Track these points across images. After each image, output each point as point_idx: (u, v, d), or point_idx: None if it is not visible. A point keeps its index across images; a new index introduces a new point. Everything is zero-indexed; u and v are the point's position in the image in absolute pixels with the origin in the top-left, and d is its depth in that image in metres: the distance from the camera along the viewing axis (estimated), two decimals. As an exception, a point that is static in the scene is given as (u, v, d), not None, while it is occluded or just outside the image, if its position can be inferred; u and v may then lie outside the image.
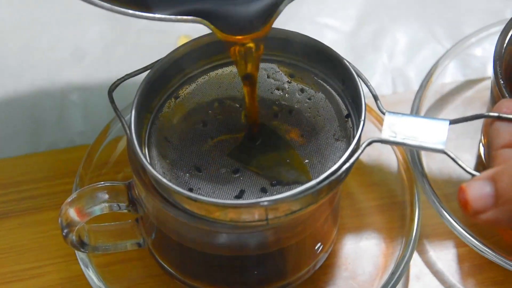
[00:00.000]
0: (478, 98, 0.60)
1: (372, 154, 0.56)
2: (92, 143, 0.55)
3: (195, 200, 0.44)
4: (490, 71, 0.53)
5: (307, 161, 0.48)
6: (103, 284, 0.51)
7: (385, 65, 0.64)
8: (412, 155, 0.56)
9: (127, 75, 0.49)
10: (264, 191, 0.47)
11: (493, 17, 0.64)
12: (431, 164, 0.56)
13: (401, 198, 0.54)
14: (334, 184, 0.45)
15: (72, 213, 0.48)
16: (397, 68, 0.64)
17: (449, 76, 0.61)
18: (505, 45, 0.52)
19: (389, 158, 0.56)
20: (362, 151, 0.46)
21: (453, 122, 0.46)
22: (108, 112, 0.57)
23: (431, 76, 0.60)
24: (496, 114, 0.46)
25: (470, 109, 0.59)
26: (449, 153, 0.45)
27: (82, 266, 0.52)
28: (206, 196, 0.46)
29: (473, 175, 0.44)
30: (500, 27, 0.53)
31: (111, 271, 0.52)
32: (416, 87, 0.60)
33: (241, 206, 0.44)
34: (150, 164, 0.46)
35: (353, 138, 0.46)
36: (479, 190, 0.43)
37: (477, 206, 0.43)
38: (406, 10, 0.67)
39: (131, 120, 0.47)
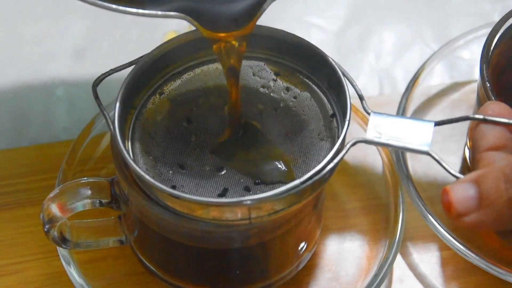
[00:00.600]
0: (464, 101, 0.60)
1: (357, 155, 0.56)
2: (76, 139, 0.55)
3: (178, 197, 0.44)
4: (477, 74, 0.53)
5: (291, 160, 0.47)
6: (84, 281, 0.51)
7: (372, 66, 0.64)
8: (397, 156, 0.55)
9: (111, 69, 0.48)
10: (247, 189, 0.46)
11: (480, 19, 0.64)
12: (416, 166, 0.56)
13: (386, 200, 0.54)
14: (318, 184, 0.45)
15: (54, 208, 0.48)
16: (384, 69, 0.64)
17: (436, 78, 0.61)
18: (492, 48, 0.52)
19: (374, 159, 0.55)
20: (346, 151, 0.45)
21: (438, 123, 0.46)
22: (92, 108, 0.56)
23: (417, 78, 0.59)
24: (481, 117, 0.45)
25: (456, 111, 0.59)
26: (433, 154, 0.45)
27: (64, 263, 0.51)
28: (189, 193, 0.45)
29: (457, 178, 0.44)
30: (487, 30, 0.53)
31: (93, 268, 0.51)
32: (402, 88, 0.59)
33: (224, 205, 0.44)
34: (133, 160, 0.46)
35: (338, 138, 0.46)
36: (462, 193, 0.43)
37: (461, 209, 0.43)
38: (394, 11, 0.66)
39: (115, 116, 0.46)
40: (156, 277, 0.51)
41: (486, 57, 0.51)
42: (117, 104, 0.46)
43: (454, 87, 0.61)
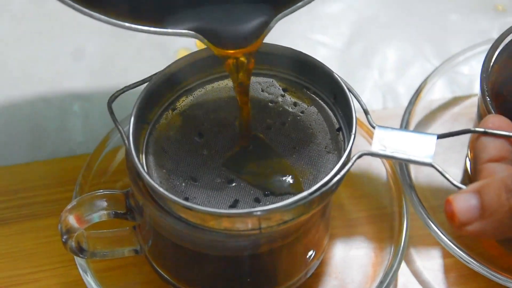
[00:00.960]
0: (465, 114, 0.60)
1: (363, 167, 0.56)
2: (92, 153, 0.55)
3: (190, 209, 0.44)
4: (477, 88, 0.54)
5: (299, 172, 0.48)
6: (99, 286, 0.51)
7: (375, 81, 0.64)
8: (401, 168, 0.56)
9: (126, 87, 0.49)
10: (257, 201, 0.47)
11: (479, 37, 0.64)
12: (419, 177, 0.56)
13: (390, 209, 0.55)
14: (325, 195, 0.45)
15: (72, 220, 0.48)
16: (387, 84, 0.64)
17: (438, 92, 0.61)
18: (491, 63, 0.52)
19: (379, 171, 0.56)
20: (352, 164, 0.46)
21: (440, 136, 0.47)
22: (107, 123, 0.57)
23: (420, 93, 0.60)
24: (482, 130, 0.46)
25: (457, 124, 0.59)
26: (436, 166, 0.46)
27: (81, 271, 0.52)
28: (201, 205, 0.46)
29: (459, 188, 0.45)
30: (486, 47, 0.53)
31: (109, 277, 0.52)
32: (405, 103, 0.60)
33: (235, 216, 0.44)
34: (147, 173, 0.46)
35: (344, 151, 0.46)
36: (465, 203, 0.44)
37: (463, 218, 0.43)
38: (397, 29, 0.67)
39: (129, 131, 0.47)
40: (170, 285, 0.52)
41: (486, 72, 0.52)
42: (132, 120, 0.47)
43: (455, 101, 0.61)
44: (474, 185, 0.44)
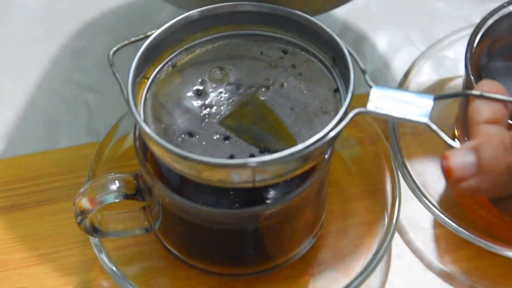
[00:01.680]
0: (451, 95, 0.61)
1: (357, 151, 0.57)
2: (102, 141, 0.56)
3: (185, 158, 0.44)
4: (461, 71, 0.55)
5: (296, 131, 0.47)
6: (114, 265, 0.52)
7: (366, 66, 0.64)
8: (393, 146, 0.56)
9: (127, 40, 0.49)
10: (252, 157, 0.46)
11: (462, 22, 0.65)
12: (411, 153, 0.57)
13: (384, 185, 0.55)
14: (320, 150, 0.45)
15: (85, 202, 0.49)
16: (378, 68, 0.65)
17: (425, 75, 0.62)
18: (474, 46, 0.53)
19: (373, 149, 0.56)
20: (348, 121, 0.45)
21: (437, 98, 0.45)
22: (117, 113, 0.58)
23: (408, 76, 0.61)
24: (478, 93, 0.45)
25: (443, 105, 0.59)
26: (432, 125, 0.44)
27: (96, 250, 0.53)
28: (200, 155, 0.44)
29: (455, 147, 0.44)
30: (469, 31, 0.54)
31: (122, 255, 0.53)
32: (394, 86, 0.60)
33: (229, 166, 0.44)
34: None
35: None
36: (462, 158, 0.42)
37: (459, 174, 0.42)
38: (386, 17, 0.68)
39: (128, 82, 0.46)
40: (178, 259, 0.53)
41: (470, 54, 0.52)
42: (131, 72, 0.47)
43: (441, 82, 0.62)
44: (471, 143, 0.43)
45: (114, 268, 0.52)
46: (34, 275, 0.54)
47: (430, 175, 0.56)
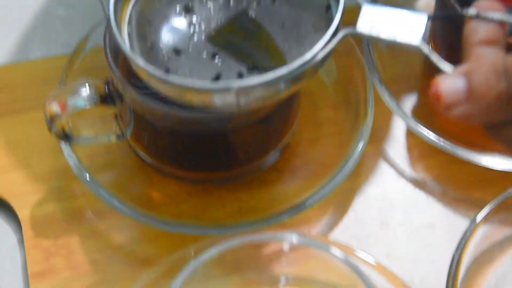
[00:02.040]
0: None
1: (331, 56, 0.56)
2: (74, 50, 0.55)
3: (167, 82, 0.42)
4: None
5: (285, 48, 0.45)
6: (87, 172, 0.51)
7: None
8: (367, 57, 0.55)
9: None
10: (240, 75, 0.45)
11: None
12: (386, 63, 0.56)
13: (357, 95, 0.54)
14: (306, 73, 0.42)
15: (55, 106, 0.49)
16: None
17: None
18: None
19: (347, 61, 0.55)
20: (336, 43, 0.42)
21: (431, 18, 0.43)
22: (89, 26, 0.57)
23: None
24: (474, 12, 0.42)
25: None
26: (424, 48, 0.42)
27: (66, 156, 0.52)
28: (182, 77, 0.43)
29: (447, 71, 0.41)
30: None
31: (93, 161, 0.53)
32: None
33: (212, 90, 0.42)
34: (130, 46, 0.44)
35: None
36: (452, 84, 0.40)
37: (449, 100, 0.40)
38: None
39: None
40: (151, 166, 0.53)
41: None
42: None
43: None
44: (462, 68, 0.41)
45: (86, 175, 0.51)
46: (6, 182, 0.53)
47: (403, 85, 0.56)
